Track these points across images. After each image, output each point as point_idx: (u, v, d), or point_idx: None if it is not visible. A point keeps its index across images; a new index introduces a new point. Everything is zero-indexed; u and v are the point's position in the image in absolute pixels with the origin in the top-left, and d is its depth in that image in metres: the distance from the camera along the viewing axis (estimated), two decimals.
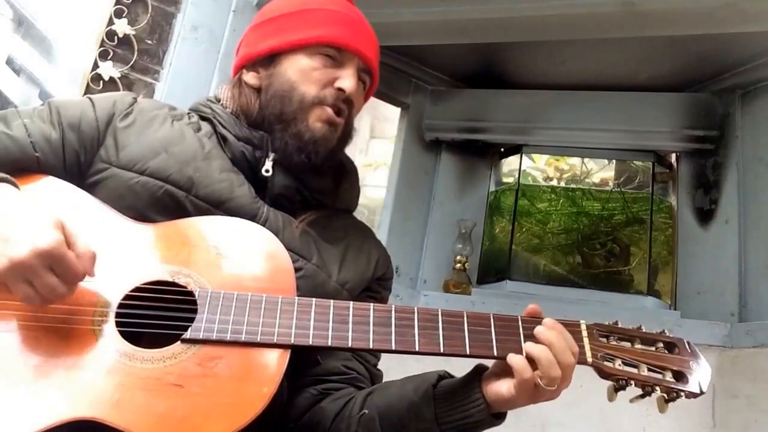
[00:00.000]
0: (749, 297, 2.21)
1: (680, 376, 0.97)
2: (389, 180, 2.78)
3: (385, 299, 1.23)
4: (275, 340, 0.91)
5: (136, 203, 1.03)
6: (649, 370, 0.97)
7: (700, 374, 0.97)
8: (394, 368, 1.18)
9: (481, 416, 0.95)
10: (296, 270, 1.02)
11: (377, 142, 3.66)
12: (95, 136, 1.08)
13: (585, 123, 2.61)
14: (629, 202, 2.64)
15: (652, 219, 2.53)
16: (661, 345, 1.00)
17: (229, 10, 2.12)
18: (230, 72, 1.24)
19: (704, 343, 2.02)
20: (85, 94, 1.84)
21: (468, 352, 0.94)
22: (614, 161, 2.75)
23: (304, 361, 1.08)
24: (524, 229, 2.69)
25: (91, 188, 1.05)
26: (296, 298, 0.96)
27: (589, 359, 0.96)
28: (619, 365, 0.96)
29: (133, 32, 1.95)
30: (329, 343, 0.93)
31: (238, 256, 1.00)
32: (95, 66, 1.89)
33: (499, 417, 0.97)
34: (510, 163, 2.81)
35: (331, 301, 0.97)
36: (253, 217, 1.06)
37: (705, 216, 2.41)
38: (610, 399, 0.96)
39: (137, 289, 0.94)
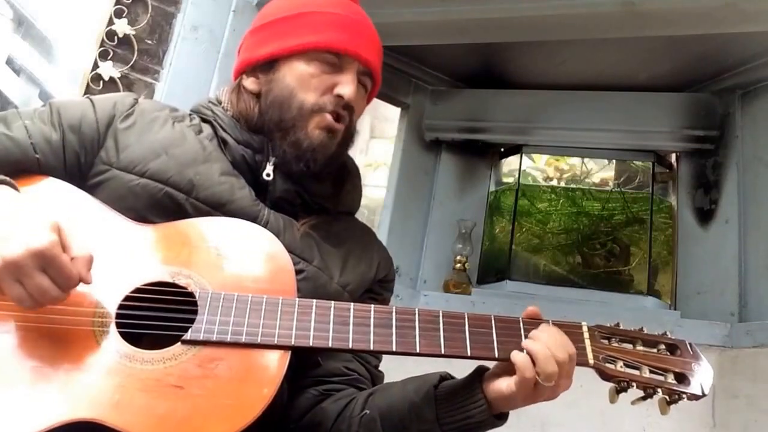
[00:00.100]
0: (749, 297, 2.21)
1: (682, 378, 0.97)
2: (389, 180, 2.78)
3: (387, 301, 1.23)
4: (276, 342, 0.91)
5: (136, 205, 1.03)
6: (651, 372, 0.97)
7: (702, 376, 0.97)
8: (394, 369, 1.18)
9: (482, 416, 0.95)
10: (297, 272, 1.02)
11: (377, 142, 3.66)
12: (95, 138, 1.07)
13: (585, 123, 2.61)
14: (629, 202, 2.64)
15: (652, 219, 2.53)
16: (662, 347, 1.00)
17: (229, 10, 2.12)
18: (230, 72, 1.24)
19: (704, 343, 2.02)
20: (85, 94, 1.84)
21: (469, 354, 0.94)
22: (614, 161, 2.75)
23: (305, 363, 1.08)
24: (524, 229, 2.69)
25: (92, 189, 1.05)
26: (297, 299, 0.96)
27: (591, 361, 0.96)
28: (621, 367, 0.96)
29: (133, 32, 1.95)
30: (330, 345, 0.93)
31: (238, 256, 1.00)
32: (95, 66, 1.89)
33: (500, 417, 0.97)
34: (510, 163, 2.81)
35: (332, 302, 0.97)
36: (253, 220, 1.06)
37: (705, 216, 2.41)
38: (612, 401, 0.96)
39: (137, 290, 0.94)
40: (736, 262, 2.26)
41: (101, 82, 1.89)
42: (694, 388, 0.96)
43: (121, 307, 0.93)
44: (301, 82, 1.11)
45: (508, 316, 0.98)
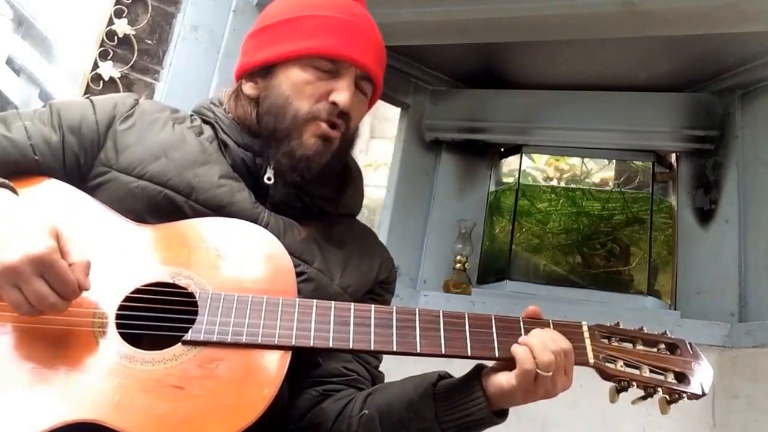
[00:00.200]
0: (749, 297, 2.21)
1: (682, 378, 0.97)
2: (389, 180, 2.78)
3: (388, 302, 1.23)
4: (276, 342, 0.91)
5: (135, 207, 1.03)
6: (651, 371, 0.97)
7: (702, 375, 0.97)
8: (395, 369, 1.18)
9: (481, 414, 0.95)
10: (298, 274, 1.02)
11: (377, 142, 3.66)
12: (95, 139, 1.07)
13: (585, 123, 2.61)
14: (629, 202, 2.64)
15: (652, 219, 2.53)
16: (662, 346, 1.00)
17: (229, 10, 2.12)
18: (230, 72, 1.23)
19: (704, 343, 2.02)
20: (85, 94, 1.84)
21: (469, 354, 0.94)
22: (614, 161, 2.75)
23: (305, 363, 1.08)
24: (524, 229, 2.69)
25: (91, 191, 1.05)
26: (297, 299, 0.96)
27: (591, 360, 0.96)
28: (621, 366, 0.96)
29: (133, 32, 1.95)
30: (330, 345, 0.93)
31: (238, 257, 1.00)
32: (95, 66, 1.89)
33: (500, 415, 0.97)
34: (510, 163, 2.81)
35: (332, 302, 0.97)
36: (253, 222, 1.06)
37: (705, 216, 2.41)
38: (612, 400, 0.96)
39: (137, 291, 0.94)
40: (736, 262, 2.26)
41: (101, 82, 1.89)
42: (694, 387, 0.96)
43: (121, 307, 0.93)
44: (295, 89, 1.10)
45: (508, 315, 0.99)
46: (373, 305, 0.98)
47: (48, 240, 0.85)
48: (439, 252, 2.68)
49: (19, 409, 0.83)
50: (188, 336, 0.90)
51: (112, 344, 0.89)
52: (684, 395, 0.95)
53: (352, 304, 0.98)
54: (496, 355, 0.95)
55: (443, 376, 1.01)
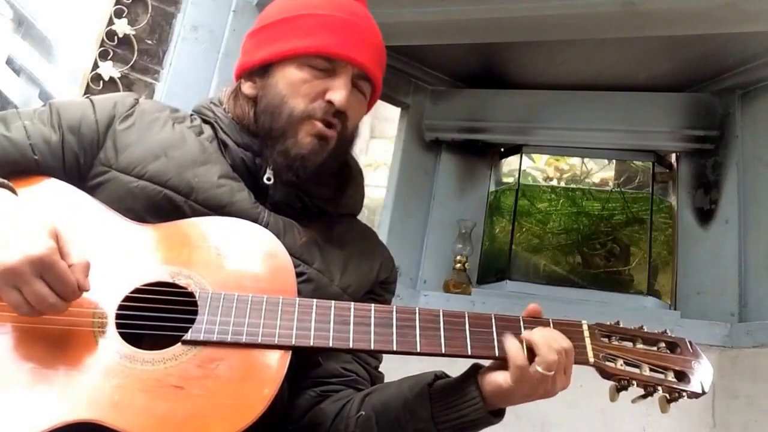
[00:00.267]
0: (749, 297, 2.21)
1: (682, 376, 0.97)
2: (389, 180, 2.78)
3: (388, 302, 1.22)
4: (276, 342, 0.91)
5: (135, 206, 1.03)
6: (651, 370, 0.97)
7: (702, 374, 0.97)
8: (396, 369, 1.18)
9: (477, 414, 0.94)
10: (298, 275, 1.02)
11: (377, 142, 3.66)
12: (95, 139, 1.07)
13: (585, 123, 2.61)
14: (629, 202, 2.64)
15: (652, 219, 2.53)
16: (663, 345, 1.00)
17: (229, 10, 2.12)
18: (230, 72, 1.22)
19: (704, 343, 2.01)
20: (85, 94, 1.84)
21: (469, 353, 0.94)
22: (614, 161, 2.75)
23: (305, 363, 1.08)
24: (524, 229, 2.69)
25: (91, 191, 1.05)
26: (297, 299, 0.96)
27: (591, 359, 0.96)
28: (621, 365, 0.96)
29: (133, 32, 1.95)
30: (330, 344, 0.93)
31: (238, 256, 1.00)
32: (95, 66, 1.89)
33: (497, 415, 0.96)
34: (510, 163, 2.81)
35: (332, 302, 0.97)
36: (253, 222, 1.05)
37: (705, 216, 2.41)
38: (612, 399, 0.96)
39: (137, 291, 0.94)
40: (736, 262, 2.26)
41: (101, 82, 1.89)
42: (694, 386, 0.96)
43: (120, 307, 0.92)
44: (292, 88, 1.09)
45: (508, 314, 0.98)
46: (373, 305, 0.98)
47: (48, 241, 0.85)
48: (439, 252, 2.68)
49: (19, 409, 0.83)
50: (188, 336, 0.90)
51: (112, 344, 0.89)
52: (684, 394, 0.95)
53: (352, 303, 0.97)
54: (496, 354, 0.95)
55: (439, 376, 1.01)
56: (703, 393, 0.96)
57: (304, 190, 1.13)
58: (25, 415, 0.82)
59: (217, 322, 0.91)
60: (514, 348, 0.93)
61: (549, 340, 0.93)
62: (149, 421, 0.84)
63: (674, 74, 2.50)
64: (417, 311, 0.97)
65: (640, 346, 1.00)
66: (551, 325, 0.98)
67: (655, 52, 2.41)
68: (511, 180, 2.79)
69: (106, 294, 0.93)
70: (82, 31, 1.90)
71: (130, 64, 1.94)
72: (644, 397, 0.96)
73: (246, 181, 1.10)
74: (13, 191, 0.96)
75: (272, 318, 0.93)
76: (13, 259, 0.82)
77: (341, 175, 1.20)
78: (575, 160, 2.81)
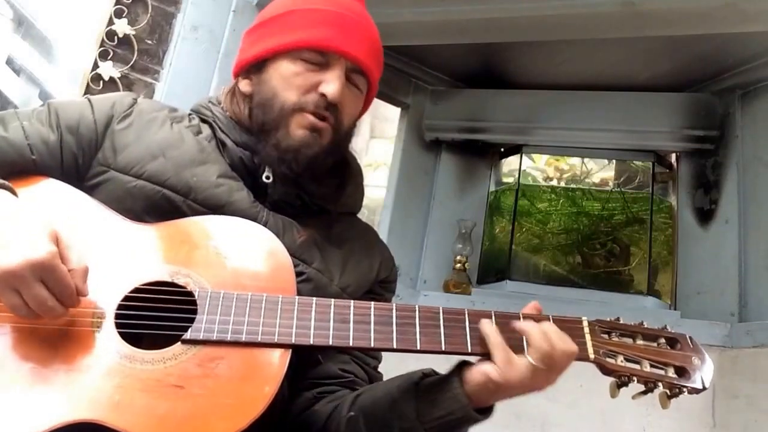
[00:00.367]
0: (749, 297, 2.21)
1: (682, 372, 0.97)
2: (389, 180, 2.78)
3: (388, 302, 1.22)
4: (276, 340, 0.91)
5: (133, 206, 1.03)
6: (652, 366, 0.96)
7: (703, 369, 0.97)
8: (397, 369, 1.18)
9: (461, 413, 0.92)
10: (297, 274, 1.01)
11: (377, 142, 3.66)
12: (93, 139, 1.07)
13: (585, 123, 2.61)
14: (629, 202, 2.64)
15: (652, 219, 2.53)
16: (663, 341, 1.00)
17: (229, 10, 2.12)
18: (230, 72, 1.22)
19: (704, 343, 1.98)
20: (85, 94, 1.85)
21: (469, 350, 0.94)
22: (614, 161, 2.75)
23: (305, 362, 1.07)
24: (524, 229, 2.69)
25: (89, 191, 1.04)
26: (297, 297, 0.96)
27: (591, 356, 0.96)
28: (622, 362, 0.96)
29: (133, 32, 1.95)
30: (330, 343, 0.93)
31: (237, 255, 0.99)
32: (95, 66, 1.89)
33: (484, 412, 0.94)
34: (510, 163, 2.81)
35: (332, 300, 0.96)
36: (252, 221, 1.05)
37: (705, 216, 2.41)
38: (613, 395, 0.96)
39: (137, 290, 0.94)
40: (736, 262, 2.26)
41: (101, 82, 1.89)
42: (694, 381, 0.95)
43: (120, 307, 0.92)
44: (284, 81, 1.09)
45: (508, 311, 0.98)
46: (372, 303, 0.97)
47: (49, 245, 0.85)
48: (439, 252, 2.68)
49: (19, 409, 0.83)
50: (188, 335, 0.90)
51: (112, 344, 0.89)
52: (685, 389, 0.95)
53: (352, 301, 0.97)
54: None
55: (428, 374, 0.99)
56: (704, 388, 0.95)
57: (304, 189, 1.13)
58: (25, 415, 0.82)
59: (216, 321, 0.91)
60: (488, 329, 0.93)
61: (541, 331, 0.92)
62: (150, 421, 0.84)
63: (674, 74, 2.50)
64: (417, 309, 0.96)
65: (640, 342, 0.99)
66: (551, 321, 0.97)
67: (655, 52, 2.41)
68: (511, 180, 2.79)
69: (105, 294, 0.93)
70: (82, 31, 1.90)
71: (130, 64, 1.95)
72: (645, 393, 0.96)
73: (245, 181, 1.10)
74: (13, 192, 0.96)
75: (272, 316, 0.93)
76: (14, 262, 0.83)
77: (341, 173, 1.20)
78: (575, 160, 2.81)
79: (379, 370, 1.18)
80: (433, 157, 2.81)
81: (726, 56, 2.37)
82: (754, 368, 2.01)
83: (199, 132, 1.13)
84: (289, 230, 1.09)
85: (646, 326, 1.01)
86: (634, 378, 0.95)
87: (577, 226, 2.66)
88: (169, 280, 0.95)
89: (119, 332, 0.90)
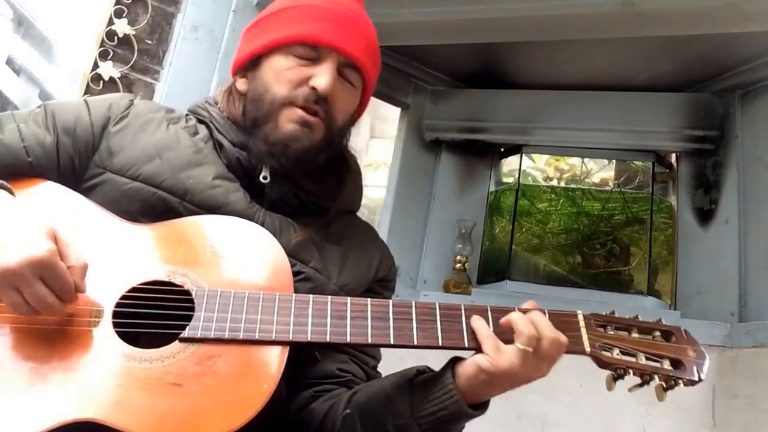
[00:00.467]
0: (749, 297, 2.21)
1: (678, 364, 0.97)
2: (389, 180, 2.78)
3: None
4: (274, 337, 0.91)
5: (130, 208, 1.03)
6: (647, 358, 0.97)
7: (698, 361, 0.97)
8: (395, 368, 1.18)
9: (454, 407, 0.92)
10: (295, 273, 1.01)
11: (377, 142, 3.66)
12: (90, 141, 1.07)
13: (585, 123, 2.61)
14: (629, 202, 2.63)
15: (652, 219, 2.53)
16: (657, 334, 1.00)
17: (229, 10, 2.12)
18: (230, 72, 1.23)
19: (704, 343, 1.99)
20: (86, 94, 1.85)
21: (466, 345, 0.94)
22: (614, 161, 2.75)
23: (303, 360, 1.07)
24: (524, 229, 2.69)
25: (86, 193, 1.05)
26: (294, 295, 0.96)
27: (588, 349, 0.96)
28: (617, 354, 0.96)
29: (133, 32, 1.95)
30: (327, 339, 0.93)
31: (234, 254, 1.00)
32: (95, 66, 1.90)
33: (479, 408, 0.94)
34: (510, 163, 2.81)
35: (329, 297, 0.97)
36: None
37: (705, 216, 2.41)
38: (609, 388, 0.96)
39: (134, 290, 0.94)
40: (736, 262, 2.26)
41: (101, 82, 1.90)
42: (690, 373, 0.96)
43: (117, 306, 0.93)
44: (275, 76, 1.09)
45: (504, 306, 0.97)
46: (369, 299, 0.97)
47: (48, 243, 0.85)
48: (439, 252, 2.68)
49: (19, 409, 0.83)
50: (185, 333, 0.90)
51: (110, 343, 0.89)
52: (680, 381, 0.95)
53: (349, 298, 0.97)
54: None
55: (422, 371, 0.99)
56: (699, 380, 0.96)
57: (301, 187, 1.13)
58: (25, 415, 0.82)
59: (214, 319, 0.91)
60: (477, 323, 0.93)
61: (528, 317, 0.92)
62: (149, 420, 0.84)
63: (674, 74, 2.50)
64: (413, 304, 0.96)
65: (635, 335, 1.00)
66: (546, 315, 0.97)
67: (655, 52, 2.41)
68: (511, 180, 2.79)
69: (103, 293, 0.93)
70: (82, 31, 1.91)
71: (130, 64, 1.95)
72: (641, 385, 0.96)
73: (242, 181, 1.10)
74: (11, 192, 0.96)
75: (269, 314, 0.93)
76: (14, 260, 0.83)
77: (338, 171, 1.19)
78: (575, 160, 2.81)
79: (379, 369, 1.18)
80: (433, 157, 2.81)
81: (726, 56, 2.36)
82: (754, 368, 2.01)
83: (195, 133, 1.13)
84: (286, 230, 1.09)
85: (641, 319, 1.02)
86: (630, 370, 0.95)
87: (577, 226, 2.66)
88: (166, 279, 0.96)
89: (117, 331, 0.90)
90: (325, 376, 1.10)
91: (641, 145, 2.59)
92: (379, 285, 1.20)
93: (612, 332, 0.99)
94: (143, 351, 0.89)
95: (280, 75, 1.08)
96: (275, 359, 0.90)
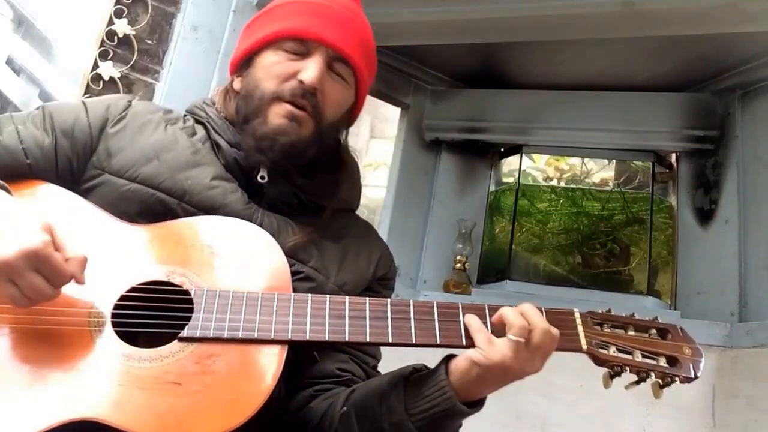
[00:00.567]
0: (749, 297, 2.21)
1: (674, 362, 0.98)
2: (389, 180, 2.78)
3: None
4: (272, 336, 0.91)
5: (128, 209, 1.03)
6: (643, 356, 0.97)
7: (694, 358, 0.98)
8: (396, 367, 1.18)
9: (447, 404, 0.92)
10: (293, 273, 1.02)
11: (377, 142, 3.66)
12: (88, 142, 1.07)
13: (585, 123, 2.61)
14: (629, 202, 2.63)
15: (652, 219, 2.53)
16: (654, 331, 1.01)
17: (229, 10, 2.13)
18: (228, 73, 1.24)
19: (704, 343, 2.00)
20: (85, 94, 1.85)
21: (464, 343, 0.94)
22: (614, 161, 2.75)
23: (303, 360, 1.07)
24: (524, 229, 2.69)
25: (84, 194, 1.05)
26: (292, 294, 0.96)
27: (584, 346, 0.97)
28: (614, 352, 0.97)
29: (133, 32, 1.95)
30: (326, 338, 0.93)
31: (232, 254, 1.00)
32: (95, 66, 1.90)
33: (474, 405, 0.94)
34: (510, 163, 2.81)
35: (327, 296, 0.97)
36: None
37: (705, 216, 2.41)
38: (606, 386, 0.97)
39: (133, 290, 0.94)
40: (736, 262, 2.26)
41: (101, 82, 1.90)
42: (686, 370, 0.96)
43: (116, 306, 0.93)
44: (265, 72, 1.09)
45: (501, 304, 0.98)
46: (368, 298, 0.97)
47: (42, 234, 0.86)
48: (439, 252, 2.68)
49: (19, 408, 0.83)
50: (185, 333, 0.91)
51: (109, 343, 0.90)
52: (676, 378, 0.96)
53: (347, 297, 0.98)
54: None
55: (418, 368, 0.99)
56: (695, 377, 0.96)
57: (298, 186, 1.13)
58: (25, 414, 0.82)
59: (213, 318, 0.92)
60: (469, 319, 0.94)
61: (518, 309, 0.93)
62: (149, 418, 0.84)
63: (674, 74, 2.50)
64: (411, 303, 0.97)
65: (631, 333, 1.01)
66: (543, 313, 0.97)
67: (655, 52, 2.41)
68: (511, 180, 2.79)
69: (102, 294, 0.93)
70: (82, 31, 1.91)
71: (130, 64, 1.95)
72: (637, 383, 0.97)
73: (240, 181, 1.10)
74: (8, 191, 0.97)
75: (268, 313, 0.93)
76: (9, 253, 0.83)
77: (338, 170, 1.20)
78: (575, 160, 2.81)
79: (379, 369, 1.18)
80: (433, 157, 2.81)
81: (726, 56, 2.36)
82: (754, 368, 2.01)
83: (193, 133, 1.13)
84: (284, 229, 1.09)
85: (637, 317, 1.02)
86: (627, 368, 0.96)
87: (577, 226, 2.66)
88: (165, 279, 0.96)
89: (116, 331, 0.91)
90: (324, 375, 1.10)
91: (641, 145, 2.59)
92: (379, 284, 1.20)
93: (608, 330, 1.00)
94: (143, 350, 0.89)
95: (269, 70, 1.09)
96: (274, 358, 0.91)
